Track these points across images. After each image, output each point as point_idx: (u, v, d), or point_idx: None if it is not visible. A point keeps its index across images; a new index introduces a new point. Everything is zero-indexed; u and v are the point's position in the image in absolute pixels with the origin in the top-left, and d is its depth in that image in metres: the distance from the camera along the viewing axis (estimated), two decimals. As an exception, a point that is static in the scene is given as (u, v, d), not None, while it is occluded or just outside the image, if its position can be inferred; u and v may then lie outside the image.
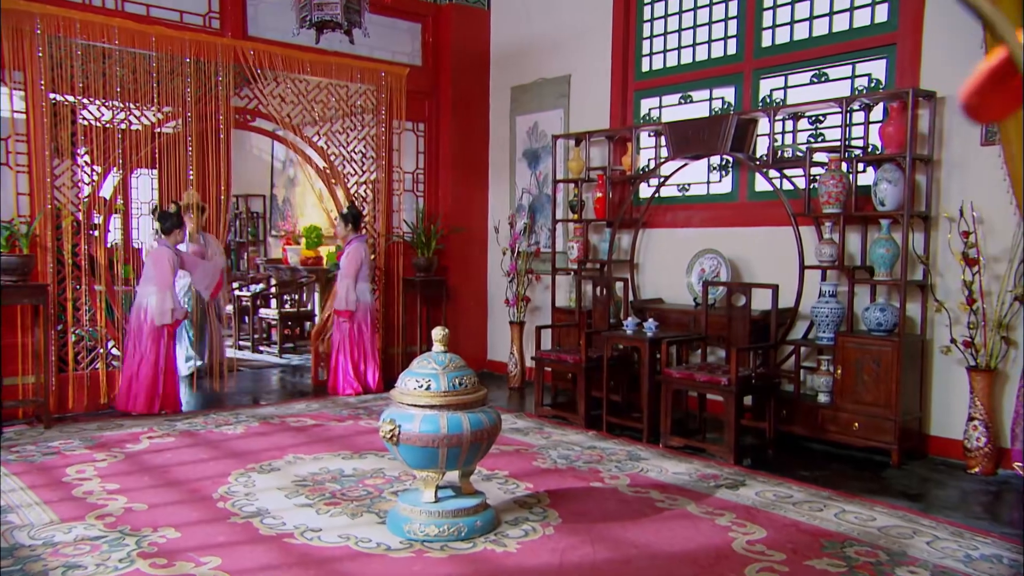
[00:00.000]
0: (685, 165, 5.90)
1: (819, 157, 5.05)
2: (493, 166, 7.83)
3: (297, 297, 9.49)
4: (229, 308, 8.55)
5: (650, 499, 3.89)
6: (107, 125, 5.68)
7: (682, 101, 6.23)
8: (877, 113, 4.95)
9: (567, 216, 6.73)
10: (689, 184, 6.19)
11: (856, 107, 4.93)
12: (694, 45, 6.15)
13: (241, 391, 6.61)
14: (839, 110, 4.89)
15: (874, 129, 4.92)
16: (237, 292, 9.43)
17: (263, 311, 9.15)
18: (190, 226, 6.55)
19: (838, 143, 4.92)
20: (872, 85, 5.09)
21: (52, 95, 5.41)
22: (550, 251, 6.79)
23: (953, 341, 4.50)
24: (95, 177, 5.68)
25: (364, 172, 7.01)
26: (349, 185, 6.93)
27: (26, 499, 3.77)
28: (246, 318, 9.40)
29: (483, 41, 7.76)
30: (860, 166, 4.90)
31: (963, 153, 4.60)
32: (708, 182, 6.08)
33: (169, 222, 5.65)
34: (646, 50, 6.49)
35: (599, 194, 6.32)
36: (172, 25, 6.01)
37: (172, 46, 5.79)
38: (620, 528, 3.48)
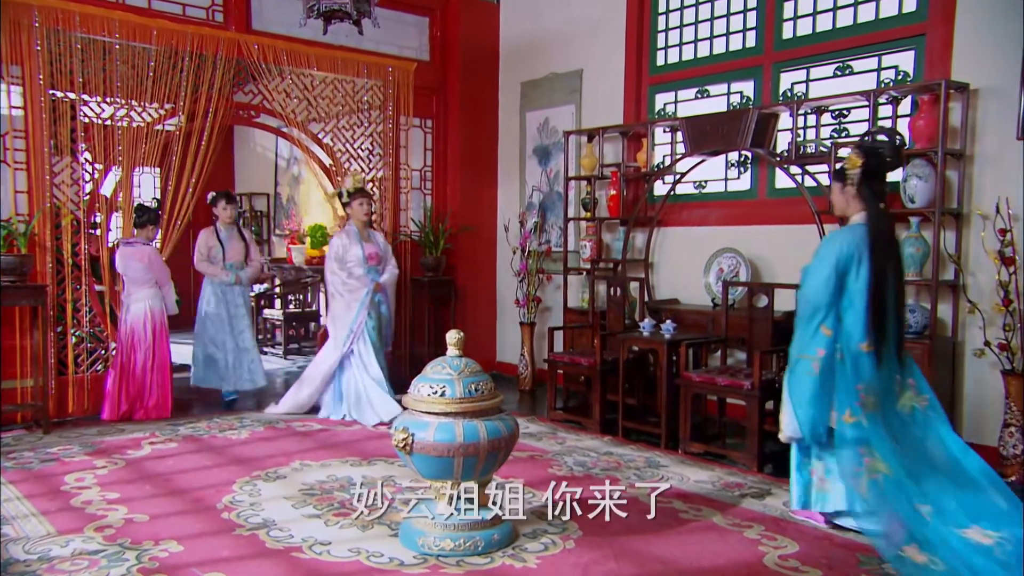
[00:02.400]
0: (702, 161, 5.73)
1: (844, 152, 4.86)
2: (503, 163, 7.66)
3: (302, 297, 9.34)
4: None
5: (673, 509, 3.72)
6: (107, 122, 5.53)
7: (698, 96, 6.05)
8: (905, 107, 4.77)
9: (579, 214, 6.56)
10: (706, 181, 6.01)
11: (883, 100, 4.75)
12: (711, 38, 5.97)
13: (245, 394, 6.43)
14: (866, 103, 4.72)
15: (902, 123, 4.74)
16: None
17: (267, 311, 9.00)
18: (362, 215, 5.78)
19: (864, 138, 4.73)
20: (899, 77, 4.90)
21: (51, 91, 5.26)
22: (562, 250, 6.61)
23: (987, 344, 4.31)
24: (96, 175, 5.53)
25: (371, 169, 6.84)
26: (356, 183, 6.77)
27: (22, 509, 3.62)
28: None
29: (492, 35, 7.59)
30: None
31: (998, 147, 4.42)
32: (726, 179, 5.90)
33: (146, 216, 5.54)
34: (661, 43, 6.31)
35: (612, 191, 6.15)
36: (174, 18, 5.85)
37: (174, 40, 5.64)
38: (644, 542, 3.31)
